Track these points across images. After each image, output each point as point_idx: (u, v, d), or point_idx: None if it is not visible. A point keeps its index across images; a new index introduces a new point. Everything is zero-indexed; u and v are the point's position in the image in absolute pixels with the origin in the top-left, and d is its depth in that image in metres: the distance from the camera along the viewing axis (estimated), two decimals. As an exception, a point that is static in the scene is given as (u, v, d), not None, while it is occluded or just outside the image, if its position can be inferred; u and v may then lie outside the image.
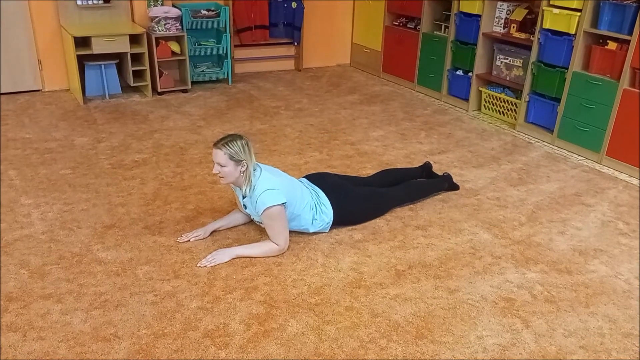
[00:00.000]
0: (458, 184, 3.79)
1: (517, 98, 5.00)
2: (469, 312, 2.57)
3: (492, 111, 5.28)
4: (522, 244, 3.16)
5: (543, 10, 4.46)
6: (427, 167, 3.81)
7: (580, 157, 4.39)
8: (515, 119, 4.99)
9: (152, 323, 2.43)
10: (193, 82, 5.77)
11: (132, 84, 5.39)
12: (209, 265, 2.83)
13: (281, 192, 2.87)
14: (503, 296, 2.70)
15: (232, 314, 2.50)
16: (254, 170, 2.89)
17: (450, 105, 5.60)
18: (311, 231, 3.12)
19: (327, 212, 3.12)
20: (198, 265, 2.84)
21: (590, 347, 2.40)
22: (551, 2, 4.41)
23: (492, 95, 5.22)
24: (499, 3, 5.02)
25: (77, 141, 4.38)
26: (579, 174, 4.11)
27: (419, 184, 3.65)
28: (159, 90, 5.53)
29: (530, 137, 4.79)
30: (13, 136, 4.43)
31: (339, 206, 3.15)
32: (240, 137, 2.86)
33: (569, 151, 4.50)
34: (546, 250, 3.10)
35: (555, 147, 4.58)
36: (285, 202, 2.88)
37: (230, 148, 2.80)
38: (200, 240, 3.06)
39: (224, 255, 2.89)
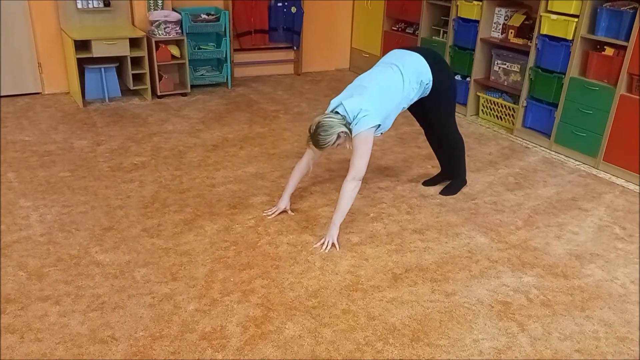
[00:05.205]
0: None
1: (514, 103, 5.02)
2: (465, 315, 2.59)
3: (490, 116, 5.30)
4: (518, 248, 3.17)
5: (541, 16, 4.48)
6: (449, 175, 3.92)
7: (577, 162, 4.41)
8: (513, 123, 5.01)
9: (150, 325, 2.44)
10: (192, 86, 5.79)
11: (131, 87, 5.40)
12: (333, 246, 3.05)
13: (373, 115, 3.04)
14: (499, 300, 2.71)
15: (229, 316, 2.51)
16: (344, 117, 3.02)
17: (449, 110, 5.61)
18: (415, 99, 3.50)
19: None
20: (322, 249, 3.02)
21: (586, 350, 2.41)
22: (549, 8, 4.44)
23: (490, 100, 5.24)
24: (497, 9, 5.04)
25: (76, 144, 4.39)
26: (575, 178, 4.13)
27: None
28: (159, 93, 5.54)
29: (527, 142, 4.81)
30: (12, 139, 4.44)
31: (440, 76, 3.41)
32: (317, 125, 2.96)
33: (566, 156, 4.51)
34: (542, 255, 3.11)
35: (553, 152, 4.60)
36: (379, 125, 3.10)
37: (328, 141, 2.97)
38: (199, 242, 3.08)
39: (331, 232, 3.07)
